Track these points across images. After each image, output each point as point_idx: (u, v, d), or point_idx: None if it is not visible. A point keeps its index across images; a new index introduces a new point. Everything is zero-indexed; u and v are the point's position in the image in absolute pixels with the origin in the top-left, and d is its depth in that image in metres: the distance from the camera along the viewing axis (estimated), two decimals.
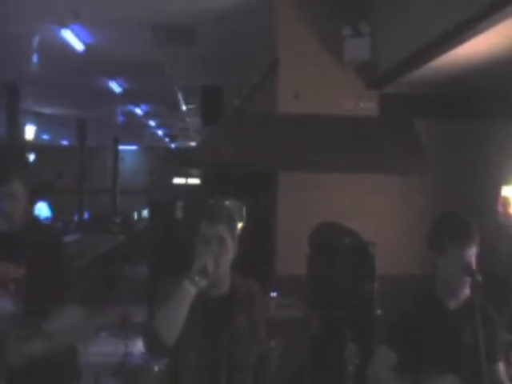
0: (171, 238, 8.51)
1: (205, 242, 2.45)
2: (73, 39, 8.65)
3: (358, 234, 4.75)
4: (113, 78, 12.10)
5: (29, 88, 12.43)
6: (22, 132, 14.99)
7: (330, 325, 4.45)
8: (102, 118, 18.07)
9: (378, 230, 5.38)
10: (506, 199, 5.07)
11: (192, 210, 9.34)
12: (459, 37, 4.35)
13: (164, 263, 7.84)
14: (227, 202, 2.44)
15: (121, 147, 24.58)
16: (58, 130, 21.42)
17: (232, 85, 9.45)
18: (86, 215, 19.63)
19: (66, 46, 8.83)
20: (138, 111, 16.58)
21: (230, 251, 2.49)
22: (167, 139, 23.40)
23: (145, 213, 19.13)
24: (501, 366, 2.66)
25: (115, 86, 12.74)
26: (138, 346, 4.52)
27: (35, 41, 8.67)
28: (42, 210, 16.37)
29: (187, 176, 20.48)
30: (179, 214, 9.69)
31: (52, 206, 17.48)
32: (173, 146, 24.81)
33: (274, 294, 4.76)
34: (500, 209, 5.09)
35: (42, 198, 16.24)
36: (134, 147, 27.50)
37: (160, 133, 22.30)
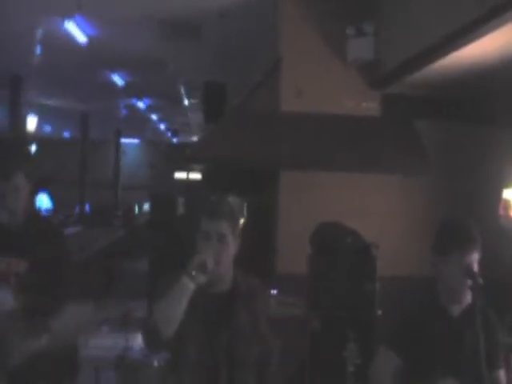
0: (172, 233, 8.53)
1: (205, 237, 2.45)
2: (76, 31, 8.64)
3: (360, 234, 4.75)
4: (116, 71, 12.09)
5: (32, 80, 12.43)
6: (24, 124, 14.99)
7: (331, 324, 4.46)
8: (105, 111, 18.07)
9: (378, 231, 5.38)
10: (507, 202, 5.07)
11: (193, 206, 9.36)
12: (463, 39, 4.35)
13: (164, 258, 7.86)
14: (229, 199, 2.46)
15: (123, 140, 24.58)
16: (60, 122, 21.41)
17: (235, 82, 9.44)
18: (87, 208, 19.64)
19: (69, 39, 8.82)
20: (141, 105, 16.57)
21: (231, 247, 2.50)
22: (169, 133, 23.40)
23: (146, 207, 19.14)
24: (501, 374, 2.68)
25: (118, 79, 12.73)
26: (139, 340, 4.54)
27: (38, 33, 8.68)
28: (43, 201, 16.38)
29: (188, 171, 20.46)
30: (180, 209, 9.72)
31: (53, 198, 17.49)
32: (174, 140, 24.81)
33: (274, 292, 4.77)
34: (501, 212, 5.09)
35: (43, 189, 16.24)
36: (136, 141, 27.50)
37: (162, 127, 22.30)
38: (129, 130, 22.93)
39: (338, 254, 4.63)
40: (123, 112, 17.46)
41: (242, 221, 2.57)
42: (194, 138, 21.18)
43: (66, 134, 25.21)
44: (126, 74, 12.41)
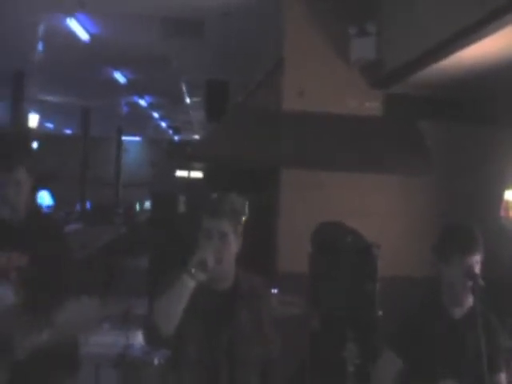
0: (173, 231, 8.54)
1: (207, 236, 2.46)
2: (78, 29, 8.65)
3: (361, 234, 4.75)
4: (118, 68, 12.11)
5: (34, 76, 12.45)
6: (26, 120, 15.01)
7: (331, 324, 4.46)
8: (106, 109, 18.09)
9: (379, 230, 5.38)
10: (508, 203, 5.07)
11: (194, 204, 9.37)
12: (465, 39, 4.35)
13: (165, 256, 7.86)
14: (231, 197, 2.46)
15: (124, 138, 24.59)
16: (62, 119, 21.43)
17: (237, 80, 9.45)
18: (88, 206, 19.64)
19: (71, 36, 8.85)
20: (142, 102, 16.58)
21: (233, 246, 2.50)
22: (171, 131, 23.40)
23: (147, 205, 19.14)
24: (502, 377, 2.69)
25: (120, 77, 12.75)
26: (139, 338, 4.54)
27: (41, 29, 8.68)
28: (44, 198, 16.38)
29: (190, 169, 20.47)
30: (181, 207, 9.73)
31: (54, 195, 17.49)
32: (176, 138, 24.81)
33: (274, 291, 4.77)
34: (502, 213, 5.09)
35: (44, 186, 16.25)
36: (137, 138, 27.52)
37: (163, 125, 22.30)
38: (130, 127, 22.94)
39: (339, 253, 4.62)
40: (125, 109, 17.47)
41: (244, 219, 2.57)
42: (196, 136, 21.19)
43: (68, 131, 25.23)
44: (127, 71, 12.42)
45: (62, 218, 14.80)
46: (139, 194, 21.65)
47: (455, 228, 2.76)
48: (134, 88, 14.01)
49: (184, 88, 13.20)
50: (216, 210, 2.49)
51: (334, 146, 5.94)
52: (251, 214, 2.61)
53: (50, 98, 16.29)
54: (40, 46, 9.30)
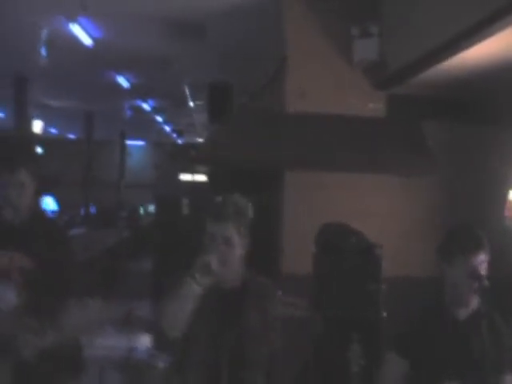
0: (176, 235, 8.55)
1: (211, 239, 2.46)
2: (81, 33, 8.67)
3: (364, 235, 4.74)
4: (121, 72, 12.13)
5: (37, 81, 12.48)
6: (29, 125, 15.04)
7: (335, 325, 4.45)
8: (110, 112, 18.12)
9: (381, 231, 5.37)
10: None
11: (198, 207, 9.37)
12: (468, 40, 4.34)
13: (169, 259, 7.87)
14: (234, 199, 2.46)
15: (128, 142, 24.62)
16: (66, 123, 21.47)
17: (240, 82, 9.45)
18: (92, 209, 19.66)
19: (74, 40, 8.86)
20: (146, 106, 16.60)
21: (237, 249, 2.50)
22: (174, 134, 23.42)
23: (151, 208, 19.15)
24: (509, 378, 2.66)
25: (123, 81, 12.77)
26: (143, 340, 4.54)
27: (44, 34, 8.70)
28: (49, 204, 16.42)
29: (194, 172, 20.49)
30: (185, 210, 9.72)
31: (58, 201, 17.52)
32: (179, 141, 24.83)
33: (278, 292, 4.76)
34: (507, 213, 5.08)
35: (48, 192, 16.29)
36: (141, 142, 27.54)
37: (167, 128, 22.33)
38: (134, 131, 22.97)
39: (343, 254, 4.62)
40: (128, 113, 17.49)
41: (249, 220, 2.57)
42: (199, 139, 21.21)
43: (71, 136, 25.27)
44: (130, 75, 12.45)
45: (65, 222, 14.81)
46: (143, 198, 21.67)
47: (458, 228, 2.76)
48: (137, 92, 14.03)
49: (187, 91, 13.21)
50: (219, 214, 2.49)
51: (337, 147, 5.94)
52: (255, 215, 2.61)
53: (53, 103, 16.33)
54: (43, 51, 9.31)
